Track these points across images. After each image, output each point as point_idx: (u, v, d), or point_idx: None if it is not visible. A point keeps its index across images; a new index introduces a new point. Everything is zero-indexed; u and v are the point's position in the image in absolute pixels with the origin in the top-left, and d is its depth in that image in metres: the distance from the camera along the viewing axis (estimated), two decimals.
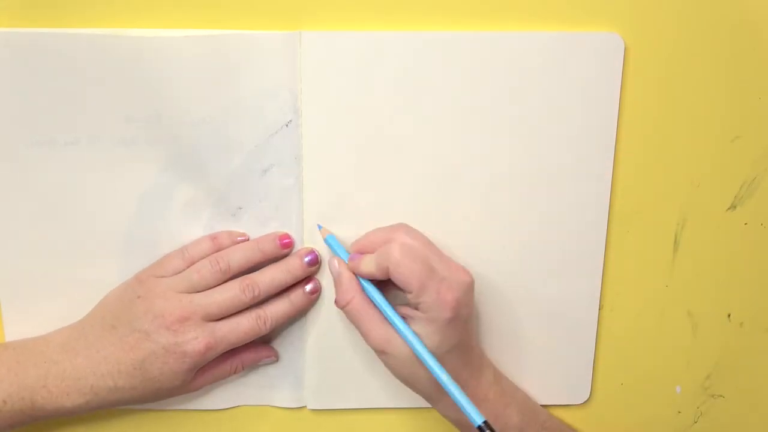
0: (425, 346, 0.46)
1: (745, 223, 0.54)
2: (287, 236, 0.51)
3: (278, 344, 0.55)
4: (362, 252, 0.49)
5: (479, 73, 0.49)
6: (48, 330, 0.51)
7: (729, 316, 0.56)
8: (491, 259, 0.53)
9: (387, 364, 0.49)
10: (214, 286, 0.49)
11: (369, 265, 0.48)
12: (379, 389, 0.56)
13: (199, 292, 0.49)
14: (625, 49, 0.50)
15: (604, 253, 0.54)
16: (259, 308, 0.50)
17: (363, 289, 0.49)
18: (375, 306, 0.48)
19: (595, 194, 0.52)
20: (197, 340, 0.47)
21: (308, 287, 0.52)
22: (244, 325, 0.49)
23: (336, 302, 0.49)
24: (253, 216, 0.52)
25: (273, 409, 0.57)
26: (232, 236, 0.51)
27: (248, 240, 0.52)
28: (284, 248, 0.51)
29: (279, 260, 0.52)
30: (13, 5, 0.47)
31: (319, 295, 0.53)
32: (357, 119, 0.50)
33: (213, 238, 0.51)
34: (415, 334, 0.47)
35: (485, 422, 0.44)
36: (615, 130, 0.51)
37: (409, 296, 0.47)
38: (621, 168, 0.52)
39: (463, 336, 0.48)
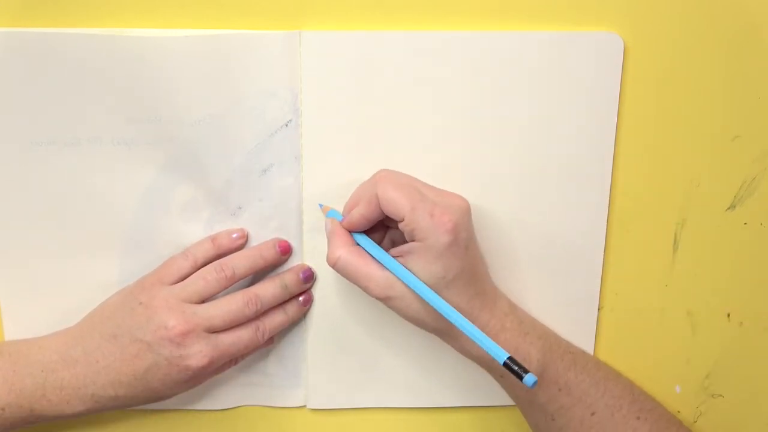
0: (423, 280, 0.45)
1: (745, 223, 0.54)
2: (285, 242, 0.52)
3: (278, 344, 0.55)
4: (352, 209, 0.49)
5: (479, 73, 0.49)
6: (48, 330, 0.51)
7: (729, 315, 0.56)
8: (490, 260, 0.53)
9: (395, 309, 0.47)
10: (218, 293, 0.49)
11: (359, 209, 0.47)
12: (379, 389, 0.56)
13: (203, 299, 0.49)
14: (625, 49, 0.50)
15: (603, 253, 0.54)
16: (258, 320, 0.50)
17: (355, 243, 0.48)
18: (367, 257, 0.47)
19: (595, 194, 0.52)
20: (201, 354, 0.47)
21: (302, 298, 0.53)
22: (245, 339, 0.49)
23: (328, 261, 0.48)
24: (253, 215, 0.52)
25: (273, 409, 0.57)
26: (230, 233, 0.51)
27: (245, 235, 0.52)
28: (283, 254, 0.52)
29: (277, 265, 0.53)
30: (13, 5, 0.47)
31: (311, 305, 0.54)
32: (357, 119, 0.50)
33: (213, 239, 0.51)
34: (410, 271, 0.45)
35: (510, 358, 0.42)
36: (615, 130, 0.51)
37: (402, 225, 0.45)
38: (621, 168, 0.52)
39: (466, 263, 0.46)
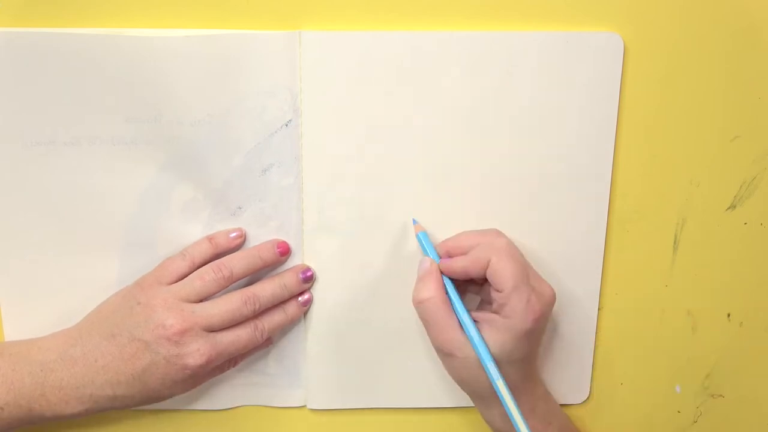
0: (491, 350, 0.46)
1: (745, 223, 0.54)
2: (284, 243, 0.52)
3: (278, 344, 0.55)
4: (450, 255, 0.49)
5: (479, 73, 0.49)
6: (48, 330, 0.51)
7: (729, 315, 0.56)
8: None
9: (448, 366, 0.49)
10: (216, 293, 0.49)
11: (464, 260, 0.48)
12: (379, 389, 0.56)
13: (201, 298, 0.49)
14: (625, 49, 0.50)
15: (603, 253, 0.54)
16: (256, 319, 0.50)
17: (444, 289, 0.49)
18: (450, 310, 0.48)
19: (595, 194, 0.52)
20: (199, 352, 0.47)
21: (302, 299, 0.53)
22: (244, 338, 0.50)
23: (414, 298, 0.49)
24: (253, 215, 0.52)
25: (273, 409, 0.57)
26: (227, 233, 0.52)
27: (243, 234, 0.52)
28: (282, 255, 0.52)
29: (276, 266, 0.53)
30: (13, 5, 0.47)
31: (311, 305, 0.54)
32: (356, 119, 0.50)
33: (211, 239, 0.51)
34: (484, 341, 0.46)
35: None
36: (615, 130, 0.51)
37: (498, 296, 0.47)
38: (621, 168, 0.52)
39: (532, 349, 0.48)
